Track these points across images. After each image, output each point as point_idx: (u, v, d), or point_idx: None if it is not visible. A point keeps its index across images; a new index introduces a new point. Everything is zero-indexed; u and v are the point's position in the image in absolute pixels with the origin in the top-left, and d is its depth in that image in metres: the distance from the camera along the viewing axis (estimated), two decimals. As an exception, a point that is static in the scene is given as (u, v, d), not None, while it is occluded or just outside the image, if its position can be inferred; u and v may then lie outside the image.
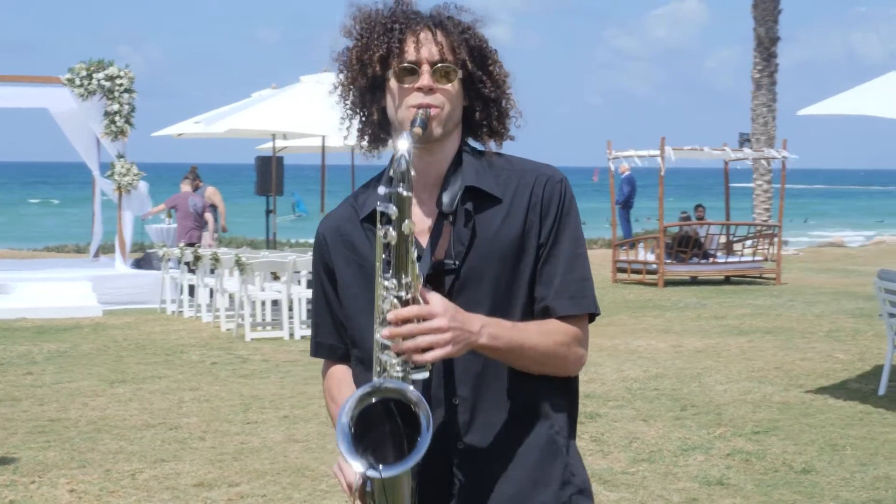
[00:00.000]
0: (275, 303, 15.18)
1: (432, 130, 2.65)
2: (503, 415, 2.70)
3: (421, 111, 2.62)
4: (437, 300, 2.52)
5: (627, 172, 26.14)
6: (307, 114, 15.10)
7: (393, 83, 2.69)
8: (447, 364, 2.66)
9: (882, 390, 9.84)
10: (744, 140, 26.59)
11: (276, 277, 15.35)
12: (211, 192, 19.35)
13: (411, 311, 2.48)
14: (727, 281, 21.08)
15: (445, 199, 2.71)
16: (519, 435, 2.70)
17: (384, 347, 2.52)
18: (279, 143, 18.31)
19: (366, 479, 2.46)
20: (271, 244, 18.99)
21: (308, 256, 15.11)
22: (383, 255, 2.52)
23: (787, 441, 8.21)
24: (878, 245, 32.19)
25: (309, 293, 14.97)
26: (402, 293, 2.50)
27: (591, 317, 2.78)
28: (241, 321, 13.99)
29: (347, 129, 2.82)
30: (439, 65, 2.67)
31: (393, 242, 2.48)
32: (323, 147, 16.24)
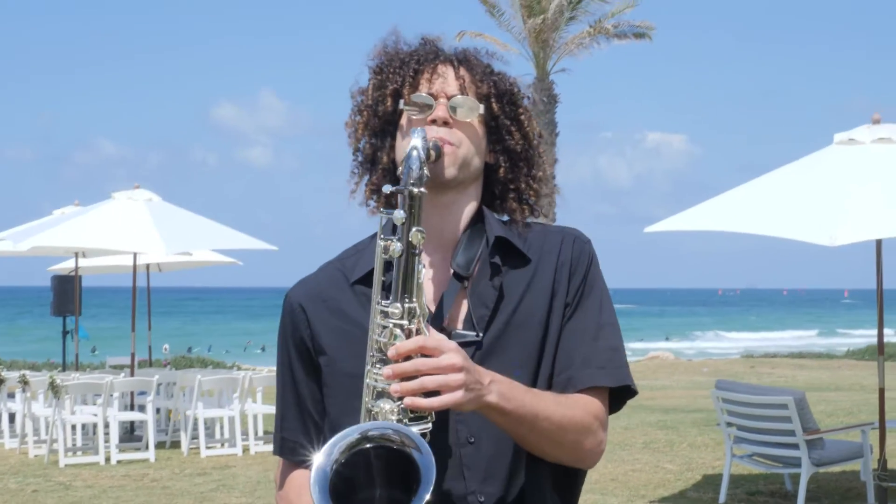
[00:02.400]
0: (84, 426, 14.58)
1: (443, 168, 2.25)
2: None
3: (433, 140, 2.22)
4: (444, 337, 2.09)
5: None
6: (118, 231, 14.70)
7: (404, 119, 2.33)
8: (471, 451, 2.22)
9: (722, 498, 10.15)
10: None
11: (83, 401, 14.77)
12: None
13: (417, 341, 2.01)
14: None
15: (461, 259, 2.28)
16: None
17: (379, 395, 2.03)
18: (80, 263, 17.76)
19: None
20: (70, 366, 18.29)
21: (122, 377, 14.62)
22: (382, 278, 2.11)
23: (654, 550, 8.38)
24: (654, 360, 33.34)
25: (124, 416, 14.46)
26: (405, 322, 2.04)
27: (622, 398, 2.36)
28: (55, 446, 13.34)
29: (356, 185, 2.42)
30: (458, 97, 2.31)
31: (396, 256, 2.05)
32: (135, 265, 15.82)
